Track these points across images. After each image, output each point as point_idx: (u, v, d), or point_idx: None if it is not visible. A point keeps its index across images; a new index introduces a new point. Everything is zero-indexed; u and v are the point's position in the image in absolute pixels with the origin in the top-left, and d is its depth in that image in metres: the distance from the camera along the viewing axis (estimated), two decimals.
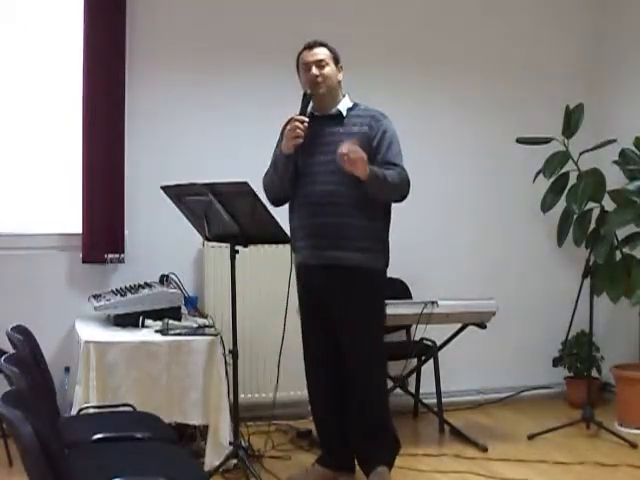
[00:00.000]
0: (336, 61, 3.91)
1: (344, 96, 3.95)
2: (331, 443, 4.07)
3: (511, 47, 5.66)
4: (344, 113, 3.90)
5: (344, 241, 3.80)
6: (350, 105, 3.94)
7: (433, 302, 4.61)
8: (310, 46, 3.90)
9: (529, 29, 5.70)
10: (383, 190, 3.78)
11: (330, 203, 3.79)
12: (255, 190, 3.71)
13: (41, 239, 4.83)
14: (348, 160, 3.62)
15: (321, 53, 3.88)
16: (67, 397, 4.19)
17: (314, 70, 3.85)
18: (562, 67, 5.76)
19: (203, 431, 4.23)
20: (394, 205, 3.95)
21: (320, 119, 3.91)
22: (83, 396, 3.85)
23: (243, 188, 3.70)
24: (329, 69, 3.87)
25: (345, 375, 3.94)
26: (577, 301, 4.89)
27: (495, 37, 5.63)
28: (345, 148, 3.63)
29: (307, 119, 3.79)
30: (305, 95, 3.84)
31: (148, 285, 4.52)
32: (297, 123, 3.78)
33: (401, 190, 3.84)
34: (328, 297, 3.87)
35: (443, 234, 5.49)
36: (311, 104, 3.89)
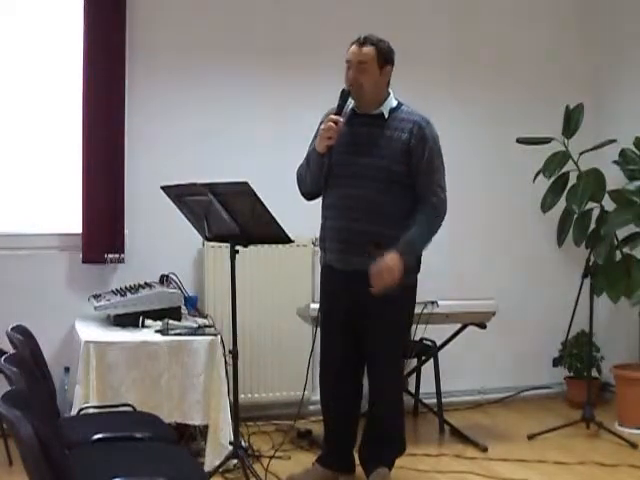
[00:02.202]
0: (383, 62, 3.77)
1: (389, 94, 3.86)
2: (336, 442, 4.06)
3: (511, 47, 5.67)
4: (386, 115, 3.82)
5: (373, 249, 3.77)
6: (394, 105, 3.85)
7: (433, 302, 4.62)
8: (358, 43, 3.77)
9: (529, 29, 5.70)
10: (419, 250, 3.82)
11: (361, 209, 3.74)
12: (255, 190, 3.70)
13: (41, 239, 4.83)
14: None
15: (365, 54, 3.75)
16: (67, 397, 4.19)
17: (352, 72, 3.77)
18: (562, 67, 5.77)
19: (203, 431, 4.23)
20: None
21: (361, 117, 3.84)
22: (83, 396, 3.86)
23: (243, 188, 3.69)
24: (370, 72, 3.75)
25: (366, 376, 3.95)
26: (577, 301, 4.89)
27: (495, 37, 5.63)
28: (378, 284, 3.60)
29: (342, 119, 3.73)
30: (343, 92, 3.77)
31: (148, 285, 4.52)
32: (331, 123, 3.72)
33: (435, 228, 3.84)
34: (352, 301, 3.84)
35: (443, 234, 5.45)
36: (353, 101, 3.83)
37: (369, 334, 3.86)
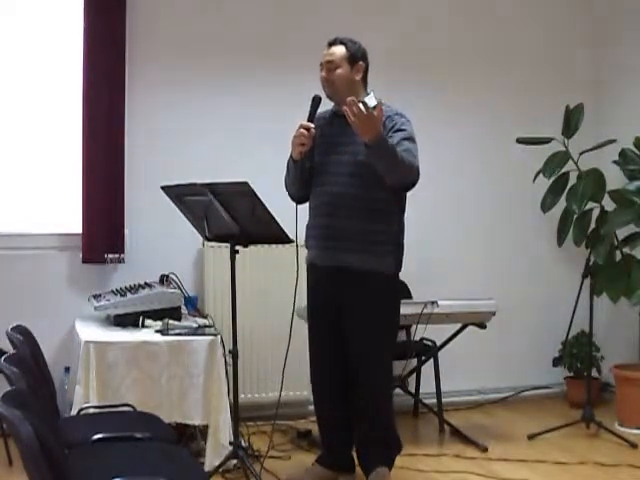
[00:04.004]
0: (353, 60, 3.82)
1: (368, 94, 3.83)
2: (332, 443, 4.07)
3: (511, 47, 5.67)
4: None
5: (353, 244, 3.79)
6: (372, 105, 3.85)
7: (433, 302, 4.61)
8: (328, 44, 3.86)
9: (529, 29, 5.71)
10: (387, 163, 3.58)
11: (341, 205, 3.77)
12: (255, 190, 3.70)
13: (41, 239, 4.83)
14: (357, 122, 3.44)
15: (334, 53, 3.82)
16: (67, 397, 4.19)
17: (323, 72, 3.85)
18: (562, 67, 5.77)
19: (203, 431, 4.23)
20: None
21: (340, 118, 3.83)
22: (83, 396, 3.85)
23: (243, 188, 3.70)
24: (339, 71, 3.81)
25: (351, 376, 3.93)
26: (577, 301, 4.90)
27: (495, 37, 5.63)
28: (351, 107, 3.44)
29: (312, 125, 3.77)
30: (314, 99, 3.83)
31: (148, 285, 4.52)
32: (302, 130, 3.76)
33: (407, 173, 3.66)
34: (336, 299, 3.86)
35: (443, 234, 5.49)
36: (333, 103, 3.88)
37: (353, 332, 3.86)
